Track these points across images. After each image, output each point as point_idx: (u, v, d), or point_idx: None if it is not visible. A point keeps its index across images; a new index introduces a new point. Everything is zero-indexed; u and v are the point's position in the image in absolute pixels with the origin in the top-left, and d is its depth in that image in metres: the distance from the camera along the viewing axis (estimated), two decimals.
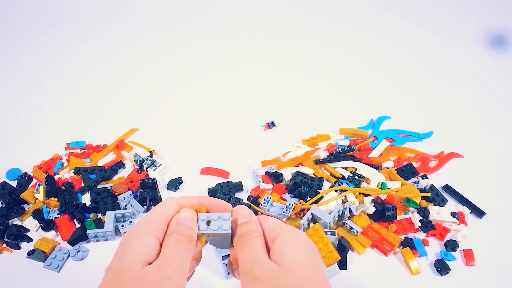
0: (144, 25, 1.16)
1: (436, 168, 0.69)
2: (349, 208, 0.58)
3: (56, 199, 0.63)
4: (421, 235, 0.58)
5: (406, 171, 0.67)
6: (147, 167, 0.69)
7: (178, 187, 0.66)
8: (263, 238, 0.34)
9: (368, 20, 1.17)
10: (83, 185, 0.66)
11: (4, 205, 0.62)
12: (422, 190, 0.63)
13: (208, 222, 0.37)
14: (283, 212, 0.59)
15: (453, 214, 0.59)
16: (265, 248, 0.33)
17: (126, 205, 0.61)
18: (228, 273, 0.52)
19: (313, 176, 0.66)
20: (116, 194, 0.63)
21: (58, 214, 0.61)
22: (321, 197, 0.61)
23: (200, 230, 0.36)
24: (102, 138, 0.76)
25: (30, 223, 0.60)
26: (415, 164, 0.69)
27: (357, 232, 0.57)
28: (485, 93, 0.89)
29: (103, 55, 1.05)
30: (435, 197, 0.62)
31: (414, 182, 0.65)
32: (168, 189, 0.66)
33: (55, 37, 1.12)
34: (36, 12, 1.20)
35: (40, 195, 0.63)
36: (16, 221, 0.61)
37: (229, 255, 0.52)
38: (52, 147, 0.74)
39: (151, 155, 0.71)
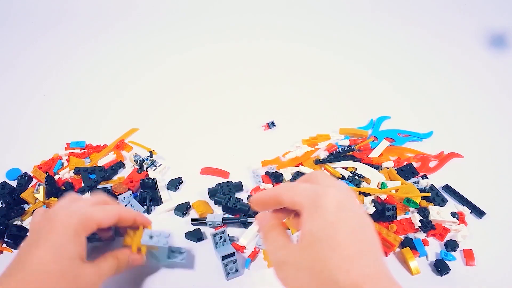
0: (144, 26, 1.17)
1: (436, 168, 0.69)
2: None
3: (56, 199, 0.63)
4: (421, 235, 0.58)
5: (406, 171, 0.67)
6: (147, 167, 0.69)
7: (178, 187, 0.66)
8: (281, 228, 0.37)
9: (368, 20, 1.17)
10: (83, 185, 0.66)
11: (4, 205, 0.62)
12: (422, 190, 0.63)
13: (150, 236, 0.48)
14: None
15: (453, 214, 0.59)
16: (285, 235, 0.36)
17: (126, 205, 0.61)
18: (228, 274, 0.52)
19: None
20: (116, 194, 0.63)
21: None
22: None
23: (143, 241, 0.48)
24: (102, 138, 0.76)
25: (30, 223, 0.60)
26: (415, 164, 0.69)
27: None
28: (485, 93, 0.89)
29: (103, 56, 1.05)
30: (435, 197, 0.62)
31: (414, 182, 0.65)
32: (168, 189, 0.66)
33: (55, 37, 1.12)
34: (37, 12, 1.20)
35: (40, 195, 0.63)
36: (16, 221, 0.61)
37: (229, 255, 0.52)
38: (52, 147, 0.74)
39: (151, 155, 0.71)
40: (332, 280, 0.30)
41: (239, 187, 0.65)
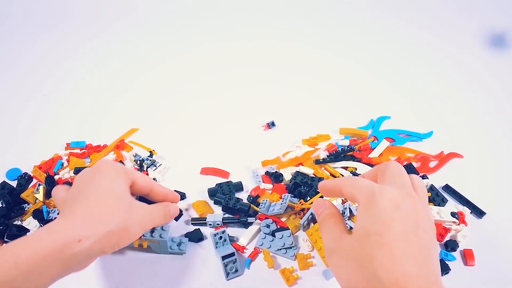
0: (144, 26, 1.17)
1: (436, 168, 0.69)
2: (349, 208, 0.58)
3: None
4: None
5: (406, 171, 0.67)
6: (147, 167, 0.69)
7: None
8: (338, 218, 0.39)
9: (368, 20, 1.17)
10: None
11: (4, 205, 0.62)
12: None
13: (152, 231, 0.52)
14: (281, 204, 0.59)
15: (453, 214, 0.59)
16: (341, 226, 0.38)
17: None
18: (228, 274, 0.52)
19: (313, 176, 0.66)
20: None
21: (58, 214, 0.61)
22: (321, 197, 0.61)
23: (144, 236, 0.51)
24: (102, 138, 0.76)
25: (30, 223, 0.60)
26: (415, 164, 0.69)
27: None
28: (485, 93, 0.89)
29: (103, 56, 1.05)
30: (435, 197, 0.62)
31: None
32: None
33: (56, 37, 1.12)
34: (37, 12, 1.20)
35: (40, 195, 0.63)
36: (16, 221, 0.61)
37: (229, 255, 0.52)
38: (52, 147, 0.74)
39: (151, 155, 0.71)
40: (375, 276, 0.31)
41: (239, 187, 0.65)
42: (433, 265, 0.32)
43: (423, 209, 0.35)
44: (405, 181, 0.37)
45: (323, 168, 0.69)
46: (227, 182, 0.65)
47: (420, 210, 0.35)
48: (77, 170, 0.68)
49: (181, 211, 0.53)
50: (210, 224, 0.58)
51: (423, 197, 0.37)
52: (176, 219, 0.51)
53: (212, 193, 0.63)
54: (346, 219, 0.59)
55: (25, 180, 0.67)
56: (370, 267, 0.31)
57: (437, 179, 0.67)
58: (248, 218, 0.58)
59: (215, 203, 0.62)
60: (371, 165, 0.68)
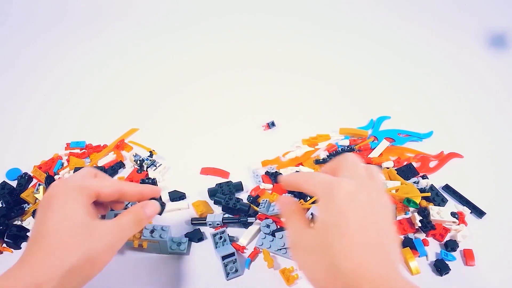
0: (144, 26, 1.17)
1: (436, 168, 0.69)
2: None
3: None
4: (421, 235, 0.58)
5: (406, 171, 0.67)
6: (147, 167, 0.69)
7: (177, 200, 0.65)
8: (301, 214, 0.40)
9: (367, 20, 1.17)
10: None
11: (4, 205, 0.62)
12: (422, 190, 0.63)
13: (151, 231, 0.52)
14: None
15: (453, 214, 0.59)
16: (303, 221, 0.39)
17: (126, 205, 0.61)
18: (228, 274, 0.52)
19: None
20: None
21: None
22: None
23: (144, 236, 0.51)
24: (102, 138, 0.76)
25: (30, 223, 0.60)
26: (415, 164, 0.69)
27: None
28: (485, 93, 0.89)
29: (103, 56, 1.05)
30: (435, 197, 0.62)
31: (414, 182, 0.65)
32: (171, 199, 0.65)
33: (56, 37, 1.12)
34: (37, 12, 1.21)
35: (40, 195, 0.63)
36: (16, 221, 0.61)
37: (229, 255, 0.52)
38: (52, 147, 0.74)
39: (151, 155, 0.71)
40: (334, 265, 0.32)
41: (239, 187, 0.65)
42: (391, 252, 0.33)
43: (379, 197, 0.36)
44: (360, 172, 0.38)
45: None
46: (227, 182, 0.65)
47: (376, 198, 0.36)
48: (77, 170, 0.68)
49: (163, 203, 0.47)
50: (210, 224, 0.58)
51: (379, 185, 0.38)
52: (160, 213, 0.46)
53: (212, 193, 0.63)
54: None
55: (25, 180, 0.67)
56: (329, 258, 0.33)
57: (437, 179, 0.67)
58: (248, 218, 0.58)
59: (215, 203, 0.62)
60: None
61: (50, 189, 0.40)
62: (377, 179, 0.39)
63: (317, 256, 0.34)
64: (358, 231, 0.33)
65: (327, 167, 0.42)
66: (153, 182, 0.65)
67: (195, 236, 0.57)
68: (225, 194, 0.62)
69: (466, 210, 0.61)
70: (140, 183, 0.65)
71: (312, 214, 0.57)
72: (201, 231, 0.58)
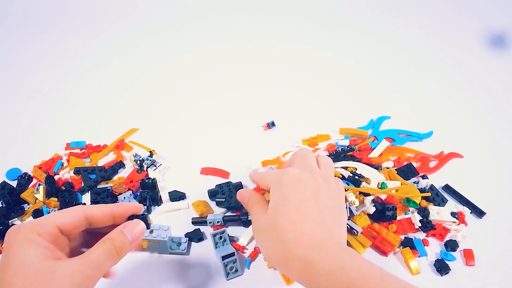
0: (144, 26, 1.17)
1: (436, 168, 0.69)
2: (349, 208, 0.58)
3: (56, 199, 0.63)
4: (421, 235, 0.58)
5: (406, 171, 0.67)
6: (147, 167, 0.69)
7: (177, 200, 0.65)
8: (262, 202, 0.44)
9: (367, 20, 1.17)
10: (83, 185, 0.66)
11: (4, 205, 0.62)
12: (422, 190, 0.63)
13: (151, 231, 0.52)
14: None
15: (453, 214, 0.59)
16: (264, 208, 0.43)
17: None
18: (228, 274, 0.52)
19: None
20: (116, 194, 0.63)
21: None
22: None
23: (144, 236, 0.48)
24: (102, 138, 0.76)
25: None
26: (415, 164, 0.69)
27: (357, 232, 0.57)
28: (485, 93, 0.89)
29: (103, 56, 1.05)
30: (435, 197, 0.62)
31: (414, 182, 0.65)
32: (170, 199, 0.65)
33: (56, 37, 1.12)
34: (37, 12, 1.20)
35: (40, 195, 0.63)
36: (16, 221, 0.61)
37: (229, 255, 0.52)
38: (52, 147, 0.74)
39: (151, 155, 0.71)
40: (279, 238, 0.38)
41: (239, 187, 0.65)
42: (331, 225, 0.39)
43: (324, 180, 0.42)
44: (309, 161, 0.44)
45: None
46: (227, 182, 0.65)
47: (320, 181, 0.42)
48: (77, 170, 0.68)
49: (146, 220, 0.41)
50: (210, 222, 0.58)
51: (326, 171, 0.45)
52: (148, 227, 0.41)
53: (212, 194, 0.63)
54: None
55: (25, 180, 0.67)
56: (275, 233, 0.38)
57: (437, 179, 0.67)
58: (248, 216, 0.58)
59: (217, 204, 0.62)
60: (371, 165, 0.68)
61: (6, 236, 0.36)
62: (326, 165, 0.46)
63: (267, 234, 0.39)
64: (298, 208, 0.38)
65: (285, 164, 0.48)
66: (153, 182, 0.65)
67: (195, 236, 0.57)
68: (225, 194, 0.62)
69: (466, 210, 0.61)
70: (140, 183, 0.65)
71: None
72: (201, 231, 0.58)
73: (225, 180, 0.67)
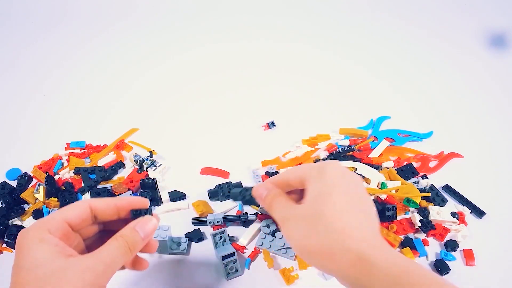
0: (145, 26, 1.17)
1: (436, 168, 0.69)
2: None
3: (56, 199, 0.63)
4: (421, 235, 0.58)
5: (406, 171, 0.67)
6: (147, 167, 0.69)
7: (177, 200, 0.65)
8: (285, 195, 0.42)
9: (367, 20, 1.17)
10: (83, 185, 0.66)
11: (4, 205, 0.62)
12: (422, 190, 0.63)
13: None
14: None
15: (453, 214, 0.59)
16: (290, 200, 0.41)
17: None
18: (228, 274, 0.52)
19: None
20: (116, 194, 0.63)
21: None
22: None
23: None
24: (102, 138, 0.76)
25: (30, 223, 0.60)
26: (415, 164, 0.69)
27: None
28: (485, 93, 0.89)
29: (103, 56, 1.05)
30: (435, 197, 0.62)
31: (414, 182, 0.65)
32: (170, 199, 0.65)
33: (56, 37, 1.12)
34: (37, 12, 1.20)
35: (40, 195, 0.63)
36: (16, 221, 0.61)
37: (229, 255, 0.52)
38: (52, 147, 0.74)
39: (151, 155, 0.71)
40: (324, 228, 0.35)
41: (239, 187, 0.65)
42: (373, 220, 0.38)
43: (359, 181, 0.41)
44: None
45: None
46: (227, 182, 0.65)
47: (359, 181, 0.41)
48: (77, 170, 0.68)
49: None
50: (210, 222, 0.58)
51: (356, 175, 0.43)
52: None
53: (212, 194, 0.63)
54: None
55: (25, 180, 0.67)
56: (320, 222, 0.36)
57: (437, 179, 0.67)
58: (248, 216, 0.58)
59: (234, 199, 0.59)
60: (371, 165, 0.68)
61: (17, 239, 0.36)
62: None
63: (307, 223, 0.36)
64: (345, 199, 0.37)
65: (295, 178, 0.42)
66: (153, 182, 0.65)
67: (195, 236, 0.57)
68: (225, 194, 0.62)
69: (466, 210, 0.61)
70: (140, 183, 0.65)
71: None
72: (201, 231, 0.58)
73: (225, 180, 0.66)
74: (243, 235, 0.57)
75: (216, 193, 0.63)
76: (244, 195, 0.49)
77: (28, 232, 0.36)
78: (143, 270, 0.42)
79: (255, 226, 0.58)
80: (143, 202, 0.41)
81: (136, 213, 0.40)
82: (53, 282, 0.32)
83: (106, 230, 0.42)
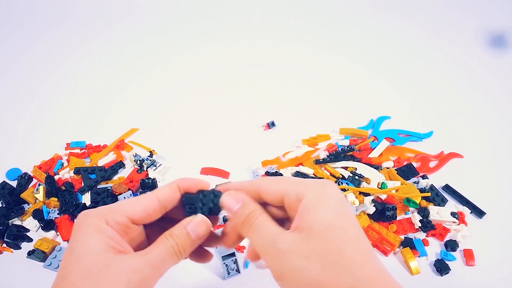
0: (145, 26, 1.16)
1: (436, 168, 0.69)
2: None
3: (56, 199, 0.63)
4: (421, 235, 0.58)
5: (406, 171, 0.67)
6: (147, 167, 0.69)
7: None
8: (266, 213, 0.33)
9: (367, 20, 1.17)
10: (83, 185, 0.66)
11: (4, 205, 0.62)
12: (422, 190, 0.63)
13: None
14: None
15: (453, 214, 0.59)
16: (273, 222, 0.33)
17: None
18: (229, 273, 0.52)
19: (313, 176, 0.66)
20: (116, 194, 0.63)
21: (58, 214, 0.61)
22: None
23: None
24: (102, 138, 0.76)
25: (30, 223, 0.60)
26: (415, 164, 0.69)
27: None
28: (485, 93, 0.89)
29: (103, 56, 1.05)
30: (435, 197, 0.62)
31: (414, 182, 0.65)
32: None
33: (56, 38, 1.12)
34: (37, 12, 1.20)
35: (40, 195, 0.63)
36: (16, 221, 0.61)
37: (229, 255, 0.52)
38: (52, 147, 0.74)
39: (151, 155, 0.71)
40: (348, 271, 0.29)
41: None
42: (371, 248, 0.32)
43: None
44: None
45: (323, 168, 0.69)
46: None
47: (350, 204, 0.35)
48: (77, 170, 0.68)
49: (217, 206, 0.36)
50: None
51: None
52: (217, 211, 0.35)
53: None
54: None
55: (25, 180, 0.67)
56: (341, 263, 0.29)
57: (437, 179, 0.67)
58: None
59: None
60: (371, 165, 0.68)
61: (76, 219, 0.34)
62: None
63: (320, 261, 0.30)
64: (360, 237, 0.31)
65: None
66: (153, 182, 0.65)
67: None
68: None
69: (466, 210, 0.61)
70: (140, 183, 0.65)
71: None
72: None
73: (225, 181, 0.66)
74: None
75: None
76: (206, 202, 0.37)
77: (87, 215, 0.34)
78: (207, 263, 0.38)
79: None
80: (204, 183, 0.37)
81: (191, 209, 0.35)
82: (97, 276, 0.31)
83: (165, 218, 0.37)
